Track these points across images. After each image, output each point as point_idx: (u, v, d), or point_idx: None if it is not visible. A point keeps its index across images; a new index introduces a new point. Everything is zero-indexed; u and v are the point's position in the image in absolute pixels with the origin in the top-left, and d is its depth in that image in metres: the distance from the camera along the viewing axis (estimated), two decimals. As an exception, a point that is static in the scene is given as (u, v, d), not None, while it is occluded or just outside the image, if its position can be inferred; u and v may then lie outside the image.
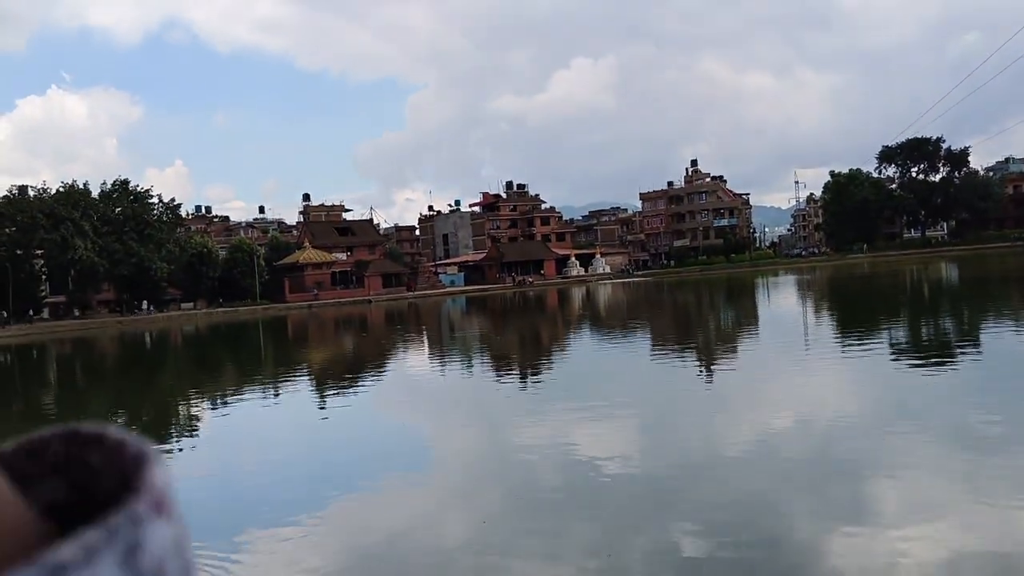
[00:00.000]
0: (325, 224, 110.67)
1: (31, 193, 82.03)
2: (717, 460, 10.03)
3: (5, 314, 76.59)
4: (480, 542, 7.70)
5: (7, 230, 77.43)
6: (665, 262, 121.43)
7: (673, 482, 9.20)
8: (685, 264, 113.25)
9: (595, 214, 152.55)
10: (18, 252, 78.53)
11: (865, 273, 68.32)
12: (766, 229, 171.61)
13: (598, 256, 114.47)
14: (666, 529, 7.52)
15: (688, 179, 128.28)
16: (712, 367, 19.02)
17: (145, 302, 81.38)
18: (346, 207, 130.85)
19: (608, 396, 15.85)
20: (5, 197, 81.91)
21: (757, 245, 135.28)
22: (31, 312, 78.99)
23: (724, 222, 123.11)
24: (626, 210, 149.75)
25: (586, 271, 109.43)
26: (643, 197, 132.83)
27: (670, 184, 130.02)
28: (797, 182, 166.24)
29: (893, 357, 18.06)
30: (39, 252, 79.39)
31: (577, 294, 72.63)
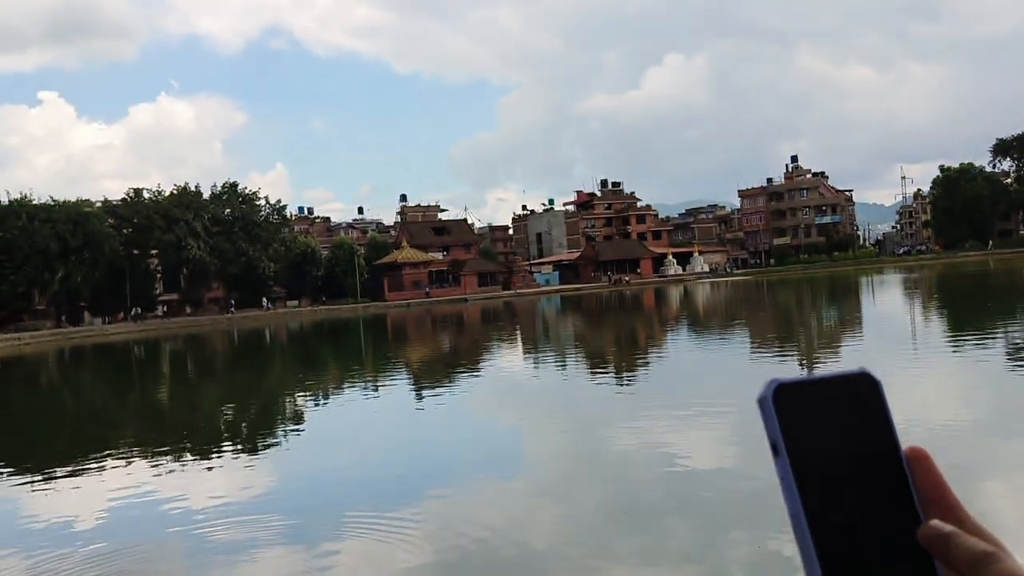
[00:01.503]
0: (422, 224, 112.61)
1: (146, 196, 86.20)
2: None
3: (140, 309, 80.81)
4: (575, 544, 7.82)
5: (125, 231, 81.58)
6: (765, 260, 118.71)
7: (769, 487, 9.10)
8: (786, 262, 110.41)
9: (692, 212, 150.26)
10: (135, 252, 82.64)
11: (980, 272, 65.23)
12: (869, 226, 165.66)
13: (696, 254, 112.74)
14: (768, 536, 7.48)
15: (788, 175, 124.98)
16: (815, 368, 18.59)
17: (264, 299, 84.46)
18: (441, 207, 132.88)
19: (707, 398, 15.72)
20: (123, 200, 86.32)
21: (861, 243, 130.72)
22: (142, 310, 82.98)
23: (826, 219, 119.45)
24: (724, 207, 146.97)
25: (683, 270, 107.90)
26: (742, 194, 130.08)
27: (769, 181, 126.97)
28: (903, 177, 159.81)
29: (1013, 359, 17.29)
30: (154, 252, 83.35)
31: (675, 293, 71.79)
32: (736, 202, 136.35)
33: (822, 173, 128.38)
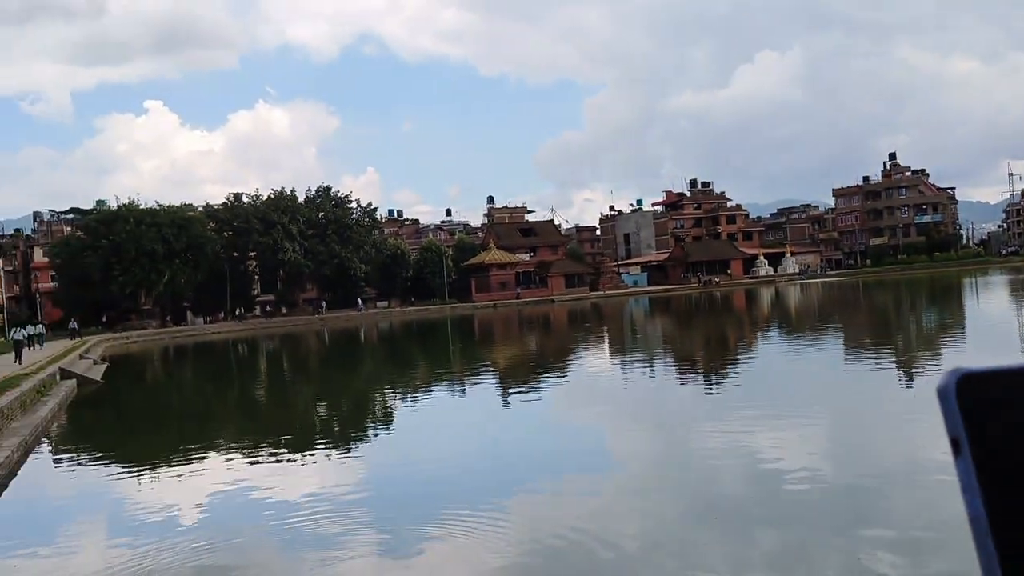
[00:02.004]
0: (509, 225, 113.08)
1: (244, 200, 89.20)
2: (917, 474, 9.56)
3: (242, 310, 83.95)
4: (664, 545, 7.77)
5: (225, 234, 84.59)
6: (861, 261, 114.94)
7: (866, 495, 8.86)
8: (883, 263, 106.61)
9: (784, 211, 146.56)
10: (235, 254, 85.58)
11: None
12: (973, 226, 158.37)
13: (788, 255, 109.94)
14: (859, 544, 7.29)
15: (886, 173, 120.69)
16: (913, 373, 17.97)
17: (360, 300, 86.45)
18: (528, 208, 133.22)
19: (800, 402, 15.39)
20: (223, 204, 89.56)
21: (964, 243, 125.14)
22: (243, 310, 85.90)
23: (926, 218, 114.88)
24: (817, 207, 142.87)
25: (775, 271, 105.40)
26: (836, 193, 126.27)
27: (866, 179, 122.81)
28: (1011, 174, 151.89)
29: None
30: (252, 254, 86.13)
31: (766, 295, 70.27)
32: (830, 201, 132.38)
33: (922, 171, 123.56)
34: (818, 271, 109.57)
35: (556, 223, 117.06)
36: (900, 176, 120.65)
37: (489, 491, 9.99)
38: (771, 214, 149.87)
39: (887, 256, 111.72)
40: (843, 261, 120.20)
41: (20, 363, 30.28)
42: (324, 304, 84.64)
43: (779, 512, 8.46)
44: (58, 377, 26.86)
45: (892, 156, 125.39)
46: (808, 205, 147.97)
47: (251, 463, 13.54)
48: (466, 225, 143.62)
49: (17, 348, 33.65)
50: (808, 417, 13.78)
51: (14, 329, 39.13)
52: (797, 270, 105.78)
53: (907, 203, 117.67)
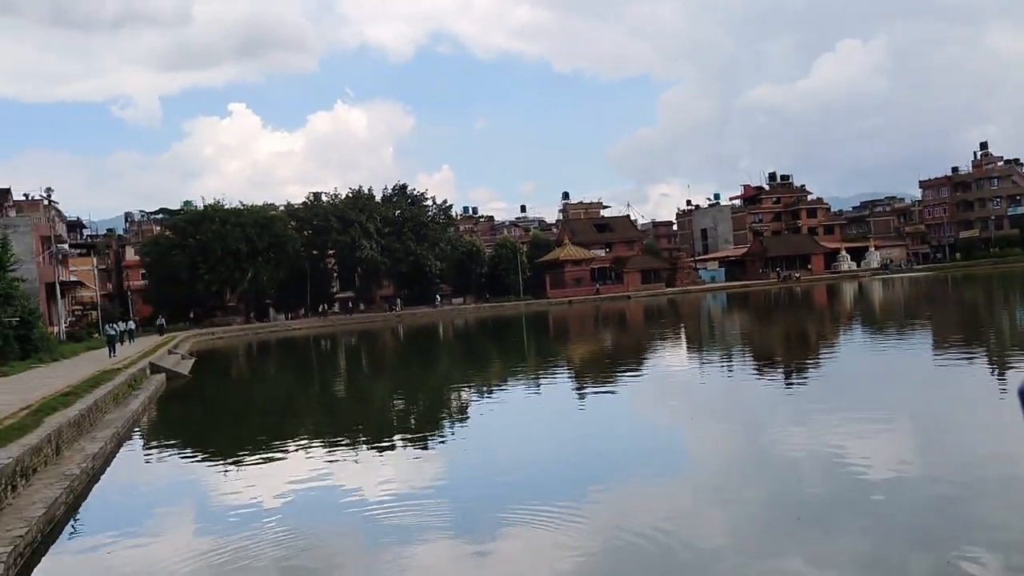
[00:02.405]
0: (584, 221, 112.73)
1: (323, 199, 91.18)
2: (1010, 476, 9.18)
3: (325, 306, 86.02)
4: (743, 546, 7.64)
5: (305, 232, 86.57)
6: (950, 255, 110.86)
7: (957, 497, 8.54)
8: (973, 257, 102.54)
9: (867, 204, 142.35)
10: (314, 252, 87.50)
11: None
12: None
13: (872, 249, 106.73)
14: (948, 548, 7.03)
15: (976, 163, 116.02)
16: (1006, 372, 17.23)
17: (438, 296, 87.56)
18: (604, 204, 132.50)
19: (885, 402, 14.94)
20: (303, 203, 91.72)
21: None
22: (326, 306, 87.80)
23: (1020, 210, 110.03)
24: (902, 199, 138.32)
25: (858, 266, 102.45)
26: (923, 184, 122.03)
27: (955, 170, 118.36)
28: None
29: None
30: (331, 252, 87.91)
31: (848, 290, 68.38)
32: (916, 193, 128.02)
33: (1016, 160, 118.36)
34: (903, 265, 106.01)
35: (632, 218, 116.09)
36: (992, 166, 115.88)
37: (566, 487, 9.97)
38: (853, 207, 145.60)
39: (978, 249, 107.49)
40: (930, 255, 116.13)
41: (114, 356, 31.88)
42: (398, 301, 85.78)
43: (865, 514, 8.22)
44: (148, 371, 27.90)
45: (983, 145, 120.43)
46: (893, 197, 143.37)
47: (331, 455, 13.82)
48: (541, 221, 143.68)
49: (111, 343, 35.81)
50: (895, 418, 13.37)
51: (108, 325, 41.94)
52: (881, 264, 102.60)
53: (999, 194, 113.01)
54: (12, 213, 64.00)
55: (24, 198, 70.78)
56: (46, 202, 62.49)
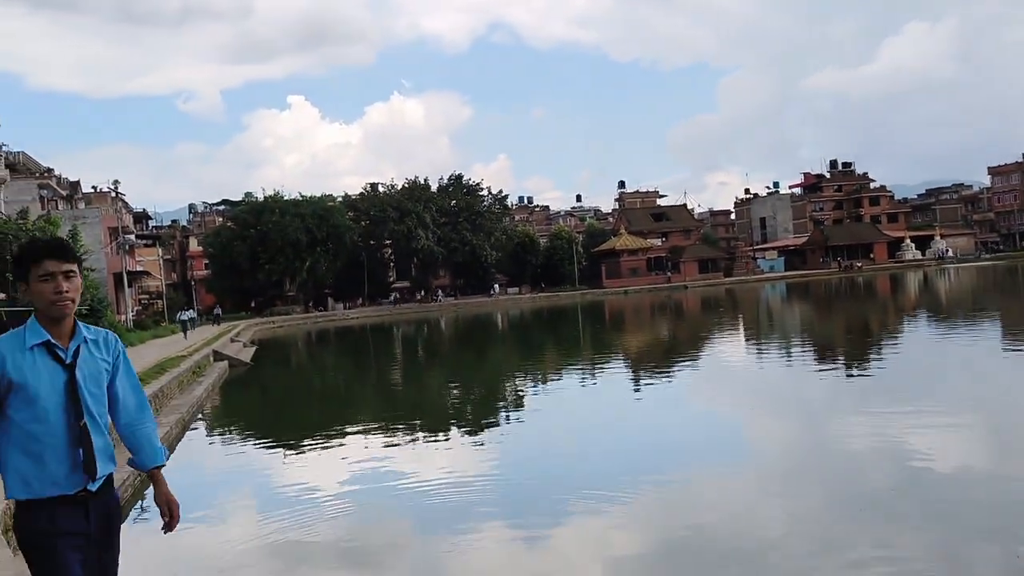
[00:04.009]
0: (640, 210, 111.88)
1: (380, 190, 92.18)
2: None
3: (397, 295, 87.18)
4: (802, 537, 7.53)
5: (362, 223, 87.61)
6: (1021, 244, 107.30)
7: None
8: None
9: (933, 192, 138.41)
10: (372, 242, 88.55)
11: None
12: None
13: (937, 238, 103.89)
14: (1016, 542, 6.84)
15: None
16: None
17: (496, 286, 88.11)
18: (660, 193, 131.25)
19: (950, 394, 14.57)
20: (360, 194, 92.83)
21: None
22: (398, 295, 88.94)
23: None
24: (971, 187, 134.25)
25: (923, 255, 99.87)
26: (992, 171, 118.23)
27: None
28: None
29: None
30: (388, 242, 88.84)
31: (913, 280, 66.71)
32: (985, 180, 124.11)
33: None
34: (971, 254, 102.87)
35: (689, 207, 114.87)
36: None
37: (622, 476, 9.94)
38: (919, 195, 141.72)
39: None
40: (1000, 244, 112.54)
41: (187, 339, 35.73)
42: (441, 291, 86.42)
43: (928, 507, 8.03)
44: (212, 359, 28.58)
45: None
46: (960, 185, 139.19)
47: (387, 441, 13.99)
48: (596, 211, 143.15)
49: (184, 327, 41.36)
50: (961, 411, 13.03)
51: (180, 312, 47.84)
52: (948, 253, 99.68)
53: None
54: (81, 205, 66.04)
55: (93, 190, 73.02)
56: (113, 194, 64.29)
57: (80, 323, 3.22)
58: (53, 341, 3.11)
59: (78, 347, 3.14)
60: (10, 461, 3.08)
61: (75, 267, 3.17)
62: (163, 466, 3.39)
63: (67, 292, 3.10)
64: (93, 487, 3.12)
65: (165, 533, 3.44)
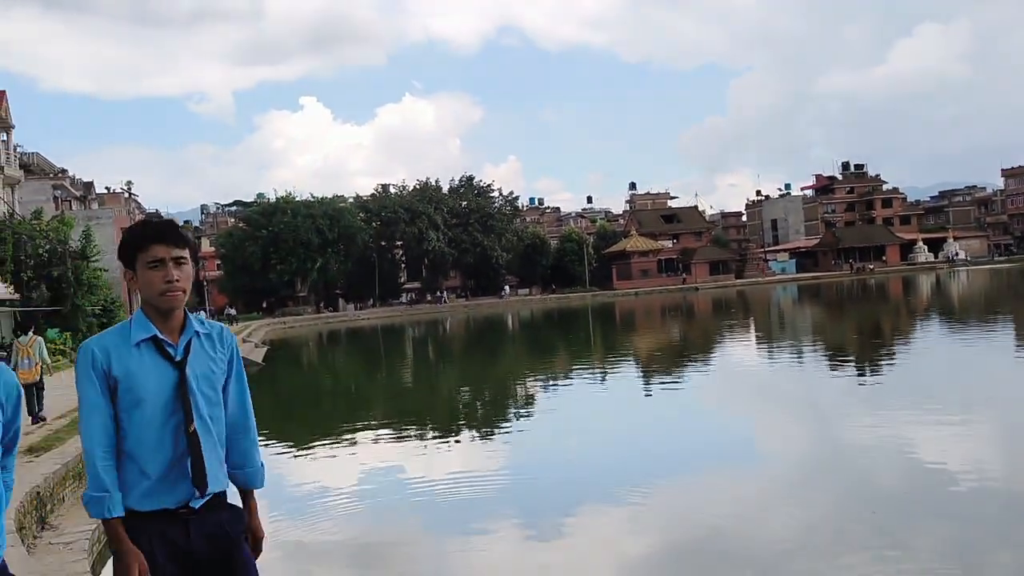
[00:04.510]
0: (651, 212, 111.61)
1: (392, 191, 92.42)
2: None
3: (414, 295, 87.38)
4: (814, 539, 7.52)
5: (374, 224, 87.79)
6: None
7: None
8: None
9: (946, 194, 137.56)
10: (383, 244, 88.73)
11: None
12: None
13: (950, 240, 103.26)
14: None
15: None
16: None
17: (507, 287, 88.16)
18: (671, 194, 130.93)
19: (963, 398, 14.50)
20: (371, 195, 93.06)
21: None
22: (414, 296, 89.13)
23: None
24: (984, 189, 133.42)
25: (935, 257, 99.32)
26: (1006, 173, 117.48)
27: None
28: None
29: None
30: (399, 243, 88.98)
31: (925, 282, 66.36)
32: (999, 182, 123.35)
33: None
34: (984, 257, 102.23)
35: (700, 209, 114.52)
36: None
37: (633, 478, 9.94)
38: (931, 197, 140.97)
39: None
40: (1013, 247, 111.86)
41: None
42: (444, 293, 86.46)
43: (942, 509, 8.01)
44: (223, 359, 28.66)
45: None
46: (973, 187, 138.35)
47: (399, 442, 14.03)
48: (607, 212, 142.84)
49: None
50: (974, 414, 12.97)
51: (194, 312, 46.14)
52: (961, 256, 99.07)
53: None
54: (95, 205, 66.42)
55: (106, 191, 73.46)
56: (126, 195, 64.74)
57: (191, 315, 2.87)
58: (161, 336, 2.75)
59: (189, 342, 2.79)
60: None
61: (186, 253, 2.81)
62: (259, 488, 2.99)
63: (178, 281, 2.74)
64: (197, 504, 2.74)
65: None
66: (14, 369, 13.73)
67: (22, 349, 13.76)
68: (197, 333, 2.82)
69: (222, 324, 3.01)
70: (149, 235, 2.77)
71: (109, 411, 2.70)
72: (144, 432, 2.70)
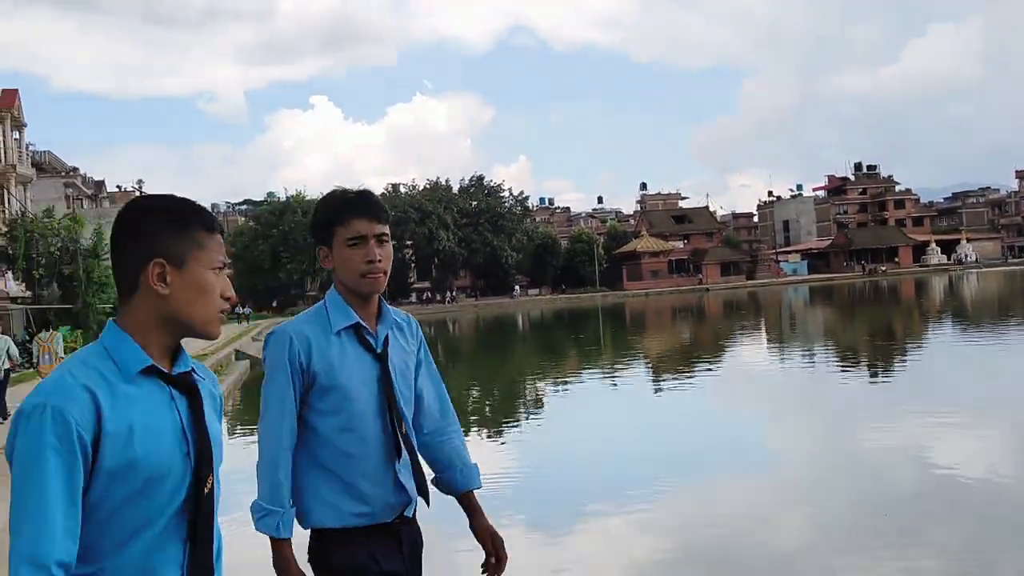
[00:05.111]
0: (662, 212, 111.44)
1: (402, 191, 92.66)
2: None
3: (452, 293, 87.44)
4: (825, 542, 7.43)
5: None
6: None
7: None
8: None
9: (959, 196, 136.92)
10: (393, 243, 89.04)
11: None
12: None
13: (963, 242, 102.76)
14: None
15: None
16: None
17: (517, 288, 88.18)
18: (682, 195, 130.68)
19: (977, 401, 14.35)
20: (382, 194, 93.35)
21: None
22: (437, 295, 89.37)
23: None
24: (997, 190, 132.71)
25: (948, 259, 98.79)
26: (1020, 175, 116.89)
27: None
28: None
29: None
30: (409, 243, 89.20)
31: (938, 284, 65.97)
32: (1013, 184, 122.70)
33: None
34: (998, 259, 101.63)
35: (711, 209, 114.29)
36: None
37: (642, 481, 9.86)
38: (944, 198, 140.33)
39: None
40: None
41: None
42: (451, 292, 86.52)
43: (955, 512, 7.90)
44: (234, 357, 28.74)
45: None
46: (987, 188, 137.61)
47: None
48: (618, 212, 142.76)
49: None
50: (987, 417, 12.83)
51: None
52: (968, 258, 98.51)
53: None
54: (106, 203, 66.77)
55: (117, 189, 73.85)
56: (137, 193, 64.92)
57: (384, 301, 2.53)
58: (363, 324, 2.39)
59: (387, 332, 2.46)
60: (311, 482, 2.39)
61: (387, 229, 2.49)
62: (478, 488, 2.77)
63: (380, 261, 2.40)
64: (410, 512, 2.54)
65: None
66: (36, 364, 13.88)
67: (43, 345, 14.00)
68: (395, 322, 2.53)
69: (406, 312, 2.71)
70: (351, 207, 2.40)
71: (297, 413, 2.36)
72: (353, 437, 2.36)
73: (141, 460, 1.52)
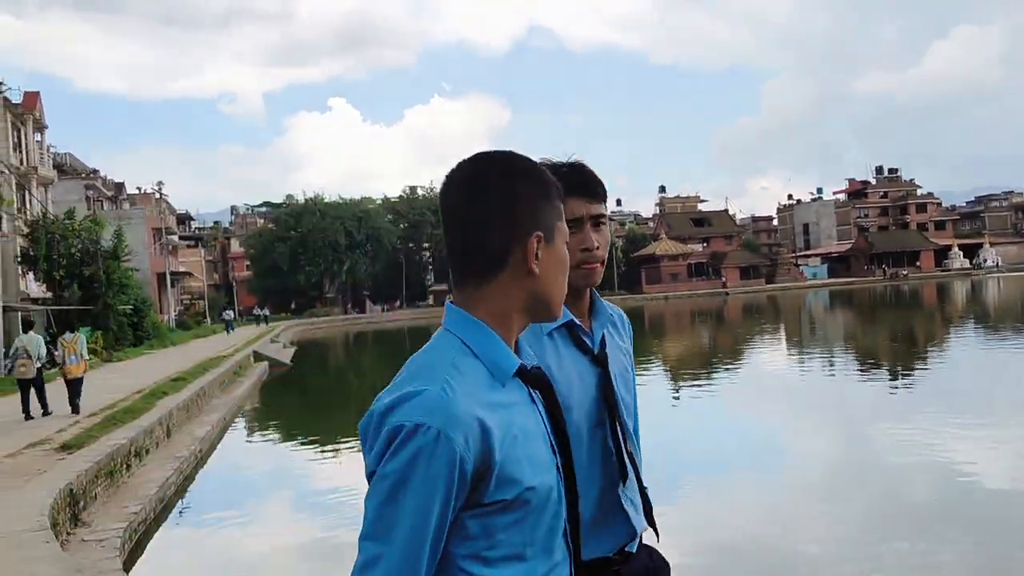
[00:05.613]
0: (680, 215, 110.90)
1: (419, 192, 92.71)
2: None
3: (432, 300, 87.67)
4: (843, 547, 7.32)
5: (401, 225, 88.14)
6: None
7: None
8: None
9: (982, 199, 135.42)
10: (410, 245, 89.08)
11: None
12: None
13: (987, 246, 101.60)
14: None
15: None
16: None
17: None
18: (701, 198, 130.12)
19: (996, 406, 14.15)
20: (399, 196, 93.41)
21: None
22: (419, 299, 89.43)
23: None
24: (1021, 194, 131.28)
25: (971, 263, 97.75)
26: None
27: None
28: None
29: None
30: (426, 245, 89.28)
31: (961, 289, 65.31)
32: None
33: None
34: (1021, 264, 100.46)
35: (730, 213, 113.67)
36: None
37: (659, 485, 9.76)
38: (967, 202, 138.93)
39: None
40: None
41: (230, 334, 40.81)
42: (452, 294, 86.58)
43: (971, 518, 7.77)
44: (252, 359, 28.85)
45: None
46: (1011, 192, 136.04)
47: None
48: (636, 215, 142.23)
49: (228, 326, 47.52)
50: (1007, 423, 12.64)
51: (224, 312, 53.44)
52: (987, 263, 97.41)
53: None
54: (126, 205, 67.25)
55: (137, 191, 74.38)
56: (157, 195, 65.33)
57: (596, 293, 2.08)
58: (578, 322, 1.97)
59: (603, 331, 2.04)
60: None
61: (606, 210, 2.08)
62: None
63: (598, 249, 2.00)
64: (633, 546, 2.02)
65: None
66: (62, 365, 13.95)
67: (68, 346, 14.08)
68: (610, 318, 2.10)
69: (616, 307, 2.22)
70: (566, 185, 1.66)
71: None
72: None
73: (525, 487, 1.26)
